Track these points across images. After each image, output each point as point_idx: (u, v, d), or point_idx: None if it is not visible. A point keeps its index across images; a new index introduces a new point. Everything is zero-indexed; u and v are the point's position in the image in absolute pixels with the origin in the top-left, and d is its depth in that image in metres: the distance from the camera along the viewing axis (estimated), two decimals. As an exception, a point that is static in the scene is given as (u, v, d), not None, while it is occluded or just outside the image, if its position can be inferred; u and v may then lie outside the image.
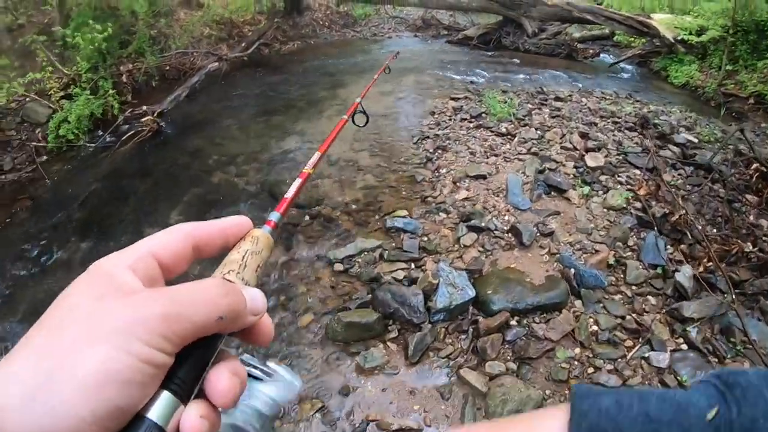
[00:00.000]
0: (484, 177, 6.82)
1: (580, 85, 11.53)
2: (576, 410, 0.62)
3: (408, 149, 7.90)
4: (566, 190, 6.39)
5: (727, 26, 12.46)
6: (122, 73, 10.64)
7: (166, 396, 0.51)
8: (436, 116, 9.10)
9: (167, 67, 11.44)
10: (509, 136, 8.09)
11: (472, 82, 11.27)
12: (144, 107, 9.54)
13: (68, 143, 8.64)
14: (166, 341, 0.50)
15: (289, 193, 0.92)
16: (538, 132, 8.16)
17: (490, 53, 14.48)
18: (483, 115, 8.88)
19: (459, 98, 9.98)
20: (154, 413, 0.50)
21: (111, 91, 9.52)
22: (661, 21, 13.85)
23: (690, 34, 12.94)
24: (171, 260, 0.62)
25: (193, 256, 0.65)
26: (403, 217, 6.18)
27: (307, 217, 6.45)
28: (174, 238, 0.63)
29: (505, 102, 9.31)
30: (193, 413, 0.52)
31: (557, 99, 9.96)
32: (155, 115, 9.44)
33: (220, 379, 0.56)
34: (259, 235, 0.72)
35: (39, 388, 0.45)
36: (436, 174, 7.11)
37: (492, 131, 8.27)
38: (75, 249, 6.23)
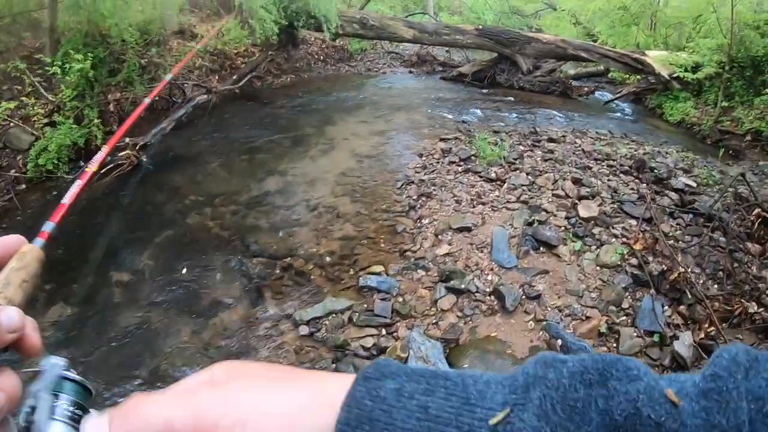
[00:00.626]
0: (468, 229, 6.19)
1: (575, 125, 10.89)
2: (353, 394, 0.51)
3: (391, 195, 7.29)
4: (556, 246, 5.74)
5: (723, 62, 11.89)
6: (110, 102, 10.02)
7: None
8: (423, 158, 8.49)
9: (156, 98, 10.81)
10: (498, 182, 7.49)
11: (463, 122, 10.66)
12: (127, 139, 8.92)
13: (47, 173, 8.09)
14: None
15: (66, 199, 0.92)
16: (529, 177, 7.56)
17: (484, 90, 13.86)
18: (472, 158, 8.27)
19: (449, 139, 9.36)
20: None
21: (96, 120, 9.01)
22: (656, 58, 13.28)
23: (685, 70, 12.34)
24: None
25: None
26: (378, 273, 5.58)
27: (278, 270, 5.87)
28: None
29: (496, 144, 8.70)
30: None
31: (550, 140, 9.34)
32: (137, 148, 8.87)
33: None
34: (27, 249, 0.70)
35: None
36: (418, 225, 6.51)
37: (481, 176, 7.67)
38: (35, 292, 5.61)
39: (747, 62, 12.05)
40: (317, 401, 0.53)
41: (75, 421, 0.57)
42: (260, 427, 0.50)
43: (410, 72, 15.92)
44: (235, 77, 12.16)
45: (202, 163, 8.80)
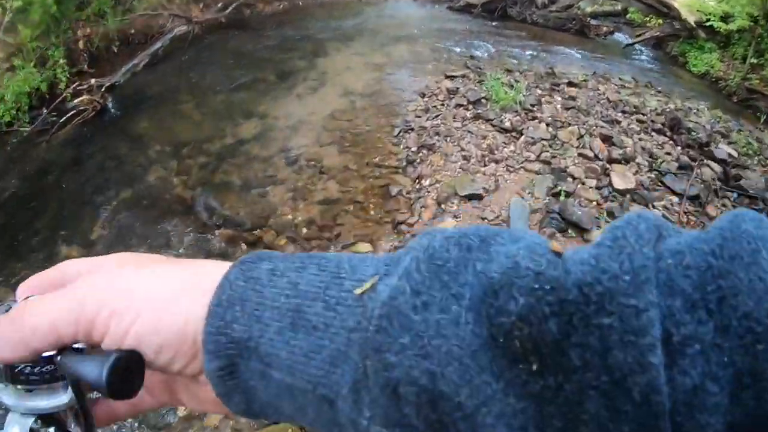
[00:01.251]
0: (479, 197, 4.91)
1: (595, 68, 9.48)
2: (227, 276, 0.45)
3: (386, 144, 6.02)
4: (588, 230, 4.41)
5: (756, 15, 10.50)
6: (79, 39, 8.73)
7: None
8: (426, 99, 7.15)
9: (132, 31, 9.35)
10: (514, 133, 6.20)
11: (472, 57, 9.27)
12: (92, 80, 7.78)
13: (7, 126, 6.93)
14: None
15: None
16: (550, 130, 6.29)
17: (494, 23, 12.32)
18: (483, 101, 6.93)
19: (456, 76, 7.99)
20: None
21: (61, 62, 7.77)
22: (682, 2, 11.77)
23: (718, 19, 10.86)
24: None
25: None
26: (365, 254, 4.24)
27: (243, 245, 4.72)
28: None
29: (511, 86, 7.32)
30: None
31: (571, 84, 7.99)
32: (104, 89, 7.69)
33: None
34: None
35: None
36: (417, 186, 5.24)
37: (493, 125, 6.35)
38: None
39: None
40: (197, 286, 0.45)
41: None
42: (136, 315, 0.44)
43: (415, 0, 14.26)
44: (220, 5, 10.66)
45: (175, 105, 7.55)
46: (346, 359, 0.38)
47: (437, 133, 6.05)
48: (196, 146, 6.29)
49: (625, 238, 0.35)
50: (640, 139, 6.34)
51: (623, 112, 7.14)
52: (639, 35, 12.94)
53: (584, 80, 8.27)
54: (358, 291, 0.40)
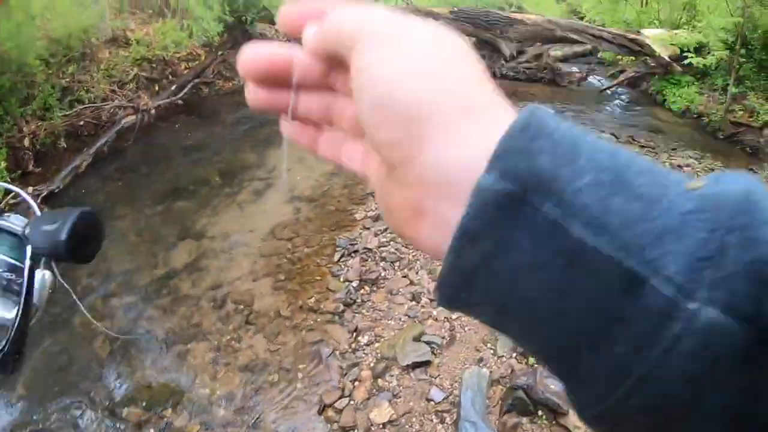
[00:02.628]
0: (425, 364, 3.68)
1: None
2: (533, 110, 0.33)
3: (326, 276, 4.93)
4: (564, 413, 3.15)
5: (731, 42, 9.58)
6: (24, 137, 7.64)
7: None
8: (377, 204, 5.96)
9: (81, 123, 8.27)
10: None
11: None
12: (30, 189, 6.67)
13: None
14: None
15: None
16: None
17: (463, 82, 11.20)
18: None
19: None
20: None
21: (1, 165, 6.76)
22: (654, 38, 10.74)
23: (689, 51, 10.09)
24: None
25: None
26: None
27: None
28: None
29: None
30: None
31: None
32: (40, 199, 6.46)
33: None
34: None
35: None
36: (353, 344, 4.05)
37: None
38: None
39: (758, 42, 9.70)
40: (472, 93, 0.35)
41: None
42: (385, 62, 0.35)
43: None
44: (173, 88, 9.57)
45: (111, 222, 6.39)
46: (679, 237, 0.28)
47: (383, 258, 4.90)
48: (124, 282, 5.19)
49: None
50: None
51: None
52: (612, 75, 11.99)
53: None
54: (689, 185, 0.31)
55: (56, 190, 6.95)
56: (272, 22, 11.08)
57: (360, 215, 5.75)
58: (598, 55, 13.44)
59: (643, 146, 7.67)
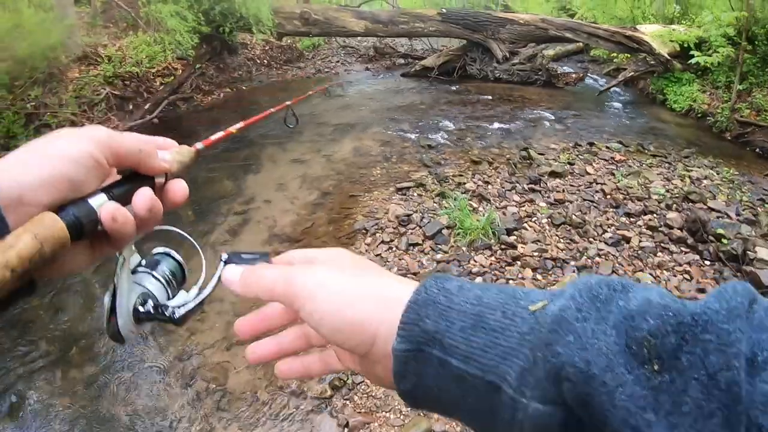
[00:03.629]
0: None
1: (574, 132, 7.64)
2: (424, 284, 0.55)
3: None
4: None
5: (733, 37, 8.86)
6: None
7: (102, 195, 0.58)
8: (368, 241, 5.12)
9: None
10: None
11: (429, 146, 7.26)
12: None
13: None
14: (105, 147, 0.57)
15: (214, 137, 0.91)
16: (538, 276, 4.40)
17: (454, 87, 10.36)
18: (444, 233, 4.94)
19: (409, 188, 5.98)
20: (92, 200, 0.57)
21: None
22: (652, 34, 9.89)
23: (690, 48, 9.32)
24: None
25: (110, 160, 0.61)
26: None
27: None
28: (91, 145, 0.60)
29: (481, 198, 5.61)
30: (112, 204, 0.58)
31: (553, 174, 6.09)
32: None
33: (142, 193, 0.61)
34: (185, 148, 0.72)
35: (18, 159, 0.54)
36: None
37: (459, 273, 4.36)
38: None
39: (762, 36, 9.00)
40: (381, 296, 0.56)
41: (168, 283, 0.69)
42: (322, 302, 0.55)
43: (367, 69, 12.28)
44: (148, 106, 8.66)
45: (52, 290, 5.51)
46: (517, 354, 0.46)
47: None
48: (47, 381, 4.26)
49: (726, 291, 0.43)
50: (658, 266, 4.40)
51: (628, 215, 5.19)
52: (608, 73, 11.18)
53: (568, 162, 6.33)
54: (532, 308, 0.48)
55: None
56: (251, 31, 10.17)
57: (351, 258, 4.91)
58: (590, 53, 12.65)
59: (654, 155, 6.84)
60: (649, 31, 10.09)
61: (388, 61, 12.48)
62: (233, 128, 1.09)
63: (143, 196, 0.61)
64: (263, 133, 8.40)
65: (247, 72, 11.58)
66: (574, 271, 4.36)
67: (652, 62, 9.86)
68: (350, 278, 0.57)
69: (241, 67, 11.53)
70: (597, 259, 4.54)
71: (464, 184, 5.83)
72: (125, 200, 0.60)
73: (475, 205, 5.40)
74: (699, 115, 8.96)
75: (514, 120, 8.11)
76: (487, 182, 5.92)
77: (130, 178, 0.63)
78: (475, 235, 4.75)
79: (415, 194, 5.84)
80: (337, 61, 12.98)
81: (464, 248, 4.71)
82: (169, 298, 0.69)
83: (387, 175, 6.47)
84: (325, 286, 0.55)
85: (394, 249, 4.89)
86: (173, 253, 0.73)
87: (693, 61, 8.68)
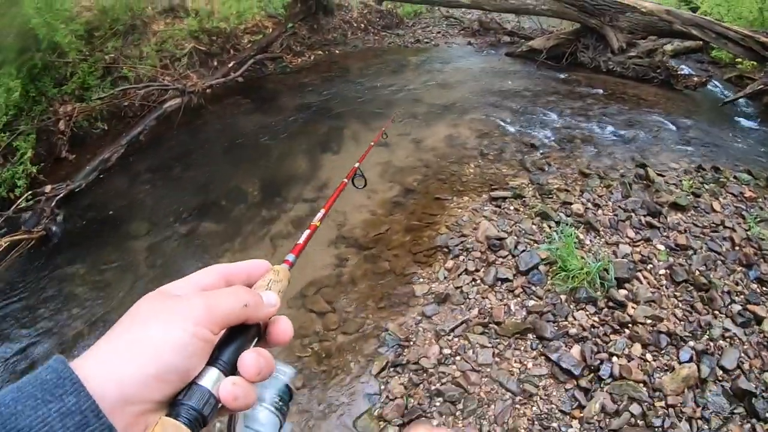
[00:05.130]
0: None
1: (698, 151, 6.32)
2: None
3: (359, 390, 3.16)
4: None
5: None
6: (60, 119, 6.33)
7: (212, 370, 0.56)
8: (449, 267, 4.26)
9: (126, 103, 6.77)
10: (587, 379, 3.13)
11: (533, 146, 6.16)
12: (48, 187, 5.40)
13: None
14: (208, 322, 0.56)
15: (301, 240, 0.95)
16: (648, 353, 3.37)
17: (562, 75, 9.08)
18: (540, 270, 3.97)
19: (505, 199, 4.98)
20: (205, 381, 0.55)
21: (28, 154, 5.75)
22: (787, 43, 8.28)
23: None
24: (208, 287, 0.64)
25: (225, 286, 0.65)
26: None
27: None
28: (209, 274, 0.66)
29: (589, 226, 4.55)
30: (229, 382, 0.56)
31: (675, 207, 4.85)
32: (54, 203, 5.25)
33: (248, 357, 0.59)
34: (280, 269, 0.74)
35: (118, 354, 0.51)
36: None
37: (547, 353, 3.33)
38: None
39: None
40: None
41: (278, 410, 0.68)
42: None
43: (469, 44, 11.00)
44: (232, 64, 7.86)
45: (122, 240, 4.89)
46: None
47: (440, 391, 3.08)
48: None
49: None
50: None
51: (760, 281, 4.02)
52: (729, 80, 9.60)
53: (692, 192, 5.07)
54: None
55: (77, 189, 5.53)
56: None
57: (421, 288, 3.93)
58: (711, 54, 11.05)
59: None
60: (785, 41, 8.52)
61: (492, 37, 11.20)
62: (316, 220, 1.13)
63: (250, 362, 0.59)
64: (348, 101, 7.53)
65: (342, 35, 10.62)
66: (691, 358, 3.30)
67: (787, 75, 8.32)
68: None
69: (336, 29, 10.58)
70: (720, 342, 3.45)
71: (571, 204, 4.75)
72: (236, 362, 0.59)
73: (581, 236, 4.35)
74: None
75: (628, 124, 6.87)
76: (597, 204, 4.83)
77: (234, 335, 0.61)
78: (579, 282, 3.73)
79: (512, 208, 4.82)
80: (438, 32, 11.79)
81: (563, 296, 3.71)
82: (281, 425, 0.66)
83: (481, 177, 5.46)
84: None
85: (478, 282, 3.93)
86: (281, 375, 0.69)
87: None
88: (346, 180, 1.81)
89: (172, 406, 0.52)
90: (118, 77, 7.04)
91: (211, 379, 0.55)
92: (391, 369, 3.24)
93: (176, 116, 6.77)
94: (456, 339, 3.40)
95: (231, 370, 0.58)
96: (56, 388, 0.46)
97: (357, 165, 2.05)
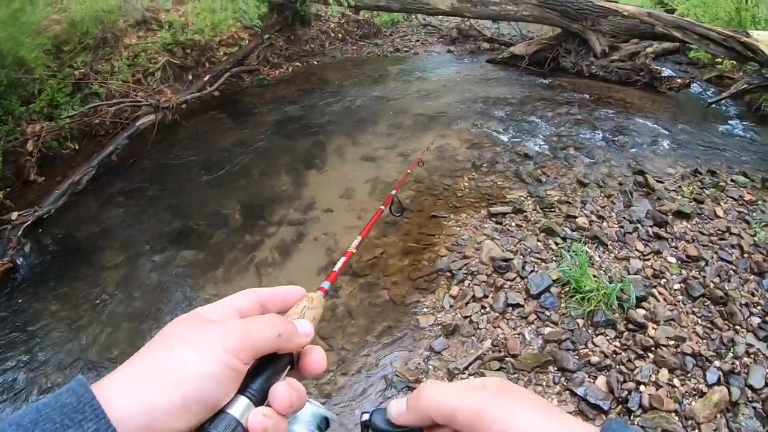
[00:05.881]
0: None
1: (691, 155, 6.08)
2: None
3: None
4: None
5: None
6: (28, 138, 5.89)
7: (242, 399, 0.54)
8: (455, 295, 3.90)
9: (97, 120, 6.32)
10: (615, 402, 2.93)
11: (527, 155, 5.81)
12: (15, 215, 4.89)
13: None
14: (240, 351, 0.53)
15: (337, 267, 0.92)
16: (675, 378, 3.06)
17: (545, 81, 8.82)
18: (551, 292, 3.61)
19: (504, 216, 4.60)
20: (233, 410, 0.52)
21: None
22: (765, 42, 8.08)
23: None
24: (245, 312, 0.62)
25: (261, 311, 0.64)
26: None
27: None
28: (247, 297, 0.64)
29: (600, 242, 4.19)
30: (259, 412, 0.54)
31: (678, 214, 4.56)
32: (20, 233, 4.74)
33: (279, 389, 0.56)
34: (314, 296, 0.71)
35: (141, 380, 0.49)
36: None
37: (571, 386, 2.99)
38: None
39: None
40: None
41: None
42: None
43: (449, 51, 10.68)
44: (208, 77, 7.44)
45: (95, 272, 4.43)
46: None
47: None
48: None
49: None
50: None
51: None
52: (709, 81, 9.41)
53: (694, 198, 4.80)
54: None
55: (46, 216, 5.09)
56: (326, 2, 8.78)
57: (426, 319, 3.56)
58: (689, 55, 10.89)
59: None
60: (763, 38, 8.35)
61: (472, 44, 10.88)
62: (352, 248, 1.09)
63: (283, 394, 0.56)
64: (329, 114, 7.16)
65: (320, 45, 10.21)
66: (719, 379, 3.00)
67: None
68: (548, 417, 0.50)
69: (313, 40, 10.17)
70: (745, 359, 3.15)
71: (575, 218, 4.44)
72: (267, 392, 0.56)
73: (590, 252, 4.02)
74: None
75: (618, 129, 6.60)
76: (601, 216, 4.52)
77: (266, 364, 0.58)
78: (596, 305, 3.40)
79: (513, 224, 4.48)
80: (417, 41, 11.41)
81: (580, 321, 3.37)
82: None
83: (477, 191, 5.11)
84: (529, 428, 0.49)
85: (488, 310, 3.57)
86: (316, 404, 0.65)
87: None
88: (383, 207, 1.78)
89: None
90: (88, 93, 6.59)
91: (240, 408, 0.53)
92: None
93: (150, 134, 6.34)
94: (471, 378, 3.05)
95: (261, 399, 0.55)
96: (76, 413, 0.45)
97: (394, 192, 1.97)
